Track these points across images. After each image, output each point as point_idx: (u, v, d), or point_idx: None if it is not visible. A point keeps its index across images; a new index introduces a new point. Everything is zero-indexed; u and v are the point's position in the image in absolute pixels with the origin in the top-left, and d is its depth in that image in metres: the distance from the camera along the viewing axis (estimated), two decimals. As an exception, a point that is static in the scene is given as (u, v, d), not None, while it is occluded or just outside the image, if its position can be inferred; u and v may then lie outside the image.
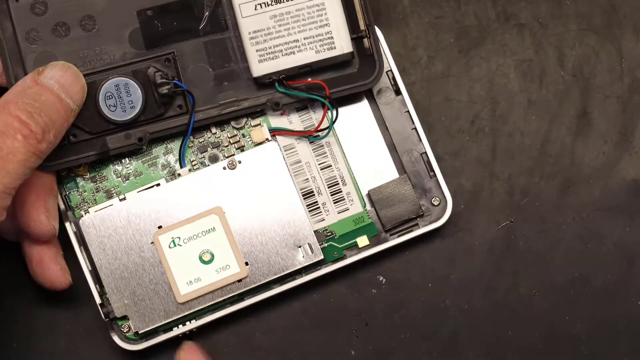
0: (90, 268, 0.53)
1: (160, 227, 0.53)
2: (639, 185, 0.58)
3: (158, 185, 0.54)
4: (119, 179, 0.55)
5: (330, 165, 0.56)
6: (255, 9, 0.53)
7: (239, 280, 0.53)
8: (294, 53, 0.54)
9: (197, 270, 0.53)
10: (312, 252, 0.54)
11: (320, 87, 0.54)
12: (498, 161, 0.58)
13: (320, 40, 0.54)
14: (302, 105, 0.56)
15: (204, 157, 0.55)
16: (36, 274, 0.53)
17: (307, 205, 0.55)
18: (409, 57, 0.58)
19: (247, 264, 0.53)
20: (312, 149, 0.56)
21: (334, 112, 0.54)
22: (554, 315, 0.57)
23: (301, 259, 0.54)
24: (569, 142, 0.58)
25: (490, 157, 0.58)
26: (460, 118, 0.58)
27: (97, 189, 0.55)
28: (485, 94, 0.59)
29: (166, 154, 0.55)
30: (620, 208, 0.58)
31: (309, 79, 0.54)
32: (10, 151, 0.47)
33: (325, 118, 0.55)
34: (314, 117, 0.56)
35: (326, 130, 0.55)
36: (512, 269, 0.58)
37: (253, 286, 0.53)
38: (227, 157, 0.55)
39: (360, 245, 0.55)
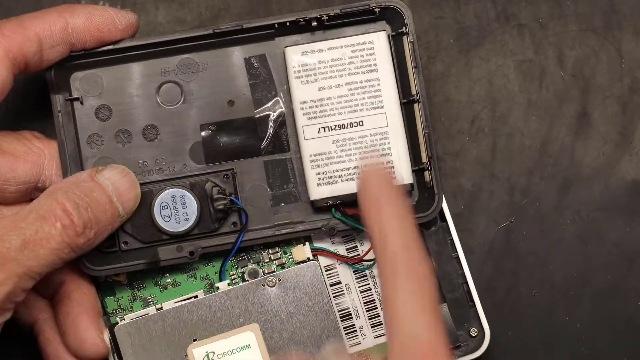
0: None
1: (195, 340, 0.52)
2: (639, 185, 0.58)
3: (196, 297, 0.53)
4: (157, 287, 0.54)
5: (370, 289, 0.54)
6: (319, 132, 0.53)
7: None
8: (353, 179, 0.53)
9: None
10: None
11: None
12: (498, 161, 0.58)
13: None
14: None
15: (243, 271, 0.54)
16: None
17: (343, 328, 0.54)
18: (409, 57, 0.58)
19: None
20: (353, 271, 0.54)
21: None
22: (554, 315, 0.57)
23: None
24: (569, 142, 0.58)
25: (490, 158, 0.58)
26: (460, 118, 0.58)
27: (134, 296, 0.54)
28: (485, 94, 0.58)
29: (206, 266, 0.54)
30: (620, 208, 0.58)
31: None
32: (44, 236, 0.46)
33: (372, 250, 0.53)
34: (357, 239, 0.55)
35: (371, 262, 0.54)
36: (512, 269, 0.58)
37: None
38: (267, 274, 0.54)
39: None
